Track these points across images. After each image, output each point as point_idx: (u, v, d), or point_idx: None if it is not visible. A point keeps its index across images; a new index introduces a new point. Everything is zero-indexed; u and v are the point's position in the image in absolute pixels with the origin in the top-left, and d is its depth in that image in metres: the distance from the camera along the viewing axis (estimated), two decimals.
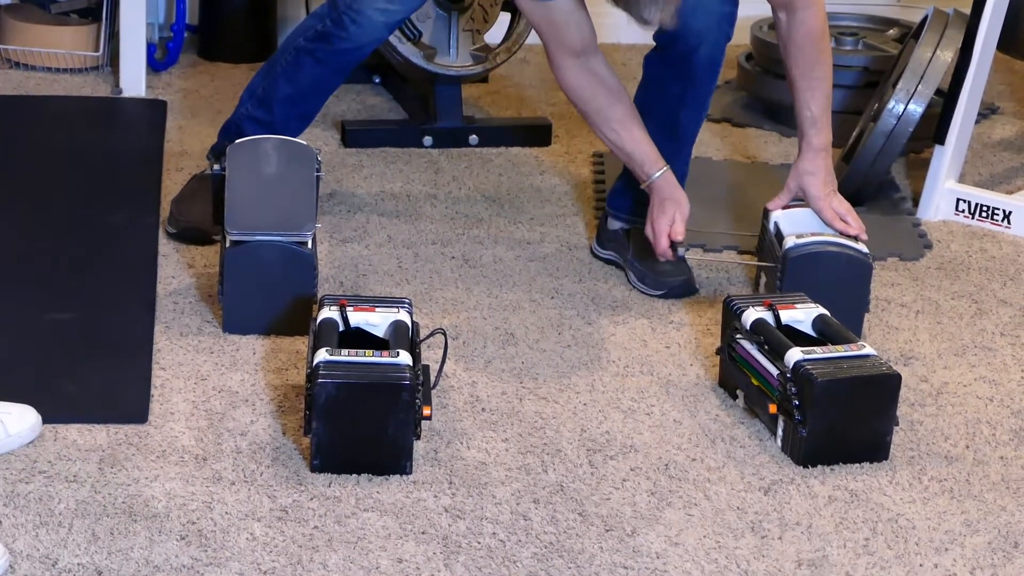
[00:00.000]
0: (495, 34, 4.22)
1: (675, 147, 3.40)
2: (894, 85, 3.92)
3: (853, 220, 3.24)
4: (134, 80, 4.38)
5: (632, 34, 4.78)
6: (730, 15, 3.28)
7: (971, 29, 3.82)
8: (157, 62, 4.62)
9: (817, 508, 2.63)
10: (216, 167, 3.28)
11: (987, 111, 4.58)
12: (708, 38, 3.26)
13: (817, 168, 3.25)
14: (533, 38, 4.24)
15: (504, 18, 4.19)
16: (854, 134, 4.08)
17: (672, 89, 3.34)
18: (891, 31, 4.62)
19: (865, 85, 4.34)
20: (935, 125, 3.89)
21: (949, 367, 3.15)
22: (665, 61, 3.32)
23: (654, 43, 3.36)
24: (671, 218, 3.30)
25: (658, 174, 3.29)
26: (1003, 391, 3.06)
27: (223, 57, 4.75)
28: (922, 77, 3.87)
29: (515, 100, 4.54)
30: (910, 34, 4.20)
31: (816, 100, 3.23)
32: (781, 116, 4.43)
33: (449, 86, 4.19)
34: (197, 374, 2.96)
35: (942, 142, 3.88)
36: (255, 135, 3.33)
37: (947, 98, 3.87)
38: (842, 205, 3.25)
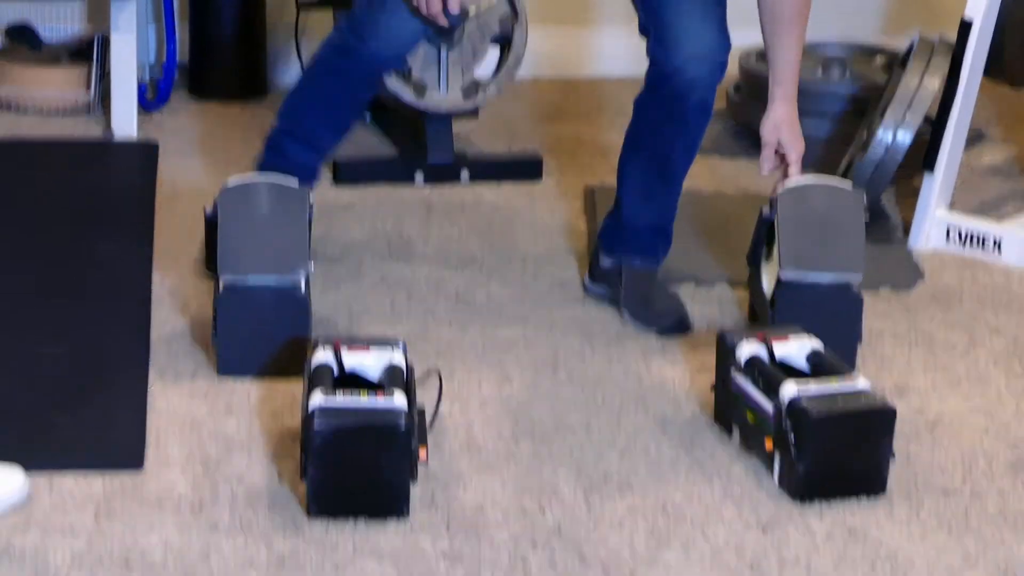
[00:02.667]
0: (485, 68, 4.23)
1: (666, 187, 3.41)
2: (882, 114, 3.93)
3: (794, 164, 3.37)
4: (125, 121, 4.38)
5: (618, 67, 4.80)
6: (723, 64, 3.28)
7: (957, 56, 3.83)
8: (148, 102, 4.63)
9: (816, 546, 2.63)
10: (208, 210, 3.29)
11: (976, 136, 4.59)
12: (700, 85, 3.26)
13: (791, 116, 3.37)
14: (524, 71, 4.27)
15: (494, 52, 4.20)
16: (843, 163, 4.09)
17: (664, 131, 3.35)
18: (878, 58, 4.63)
19: (853, 113, 4.35)
20: (924, 152, 3.90)
21: (944, 399, 3.15)
22: (656, 104, 3.32)
23: (644, 83, 3.35)
24: None
25: None
26: (998, 422, 3.07)
27: (213, 95, 4.76)
28: (910, 105, 3.89)
29: (506, 134, 4.54)
30: (897, 62, 4.21)
31: (794, 54, 3.35)
32: None
33: (440, 122, 4.20)
34: (192, 419, 2.96)
35: (931, 169, 3.89)
36: (293, 150, 3.40)
37: (935, 125, 3.88)
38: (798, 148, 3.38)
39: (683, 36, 3.24)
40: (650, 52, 3.29)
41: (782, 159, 3.38)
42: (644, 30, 3.30)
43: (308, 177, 3.42)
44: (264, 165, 3.45)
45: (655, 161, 3.39)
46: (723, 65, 3.29)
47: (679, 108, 3.28)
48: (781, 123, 3.37)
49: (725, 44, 3.27)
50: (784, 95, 3.38)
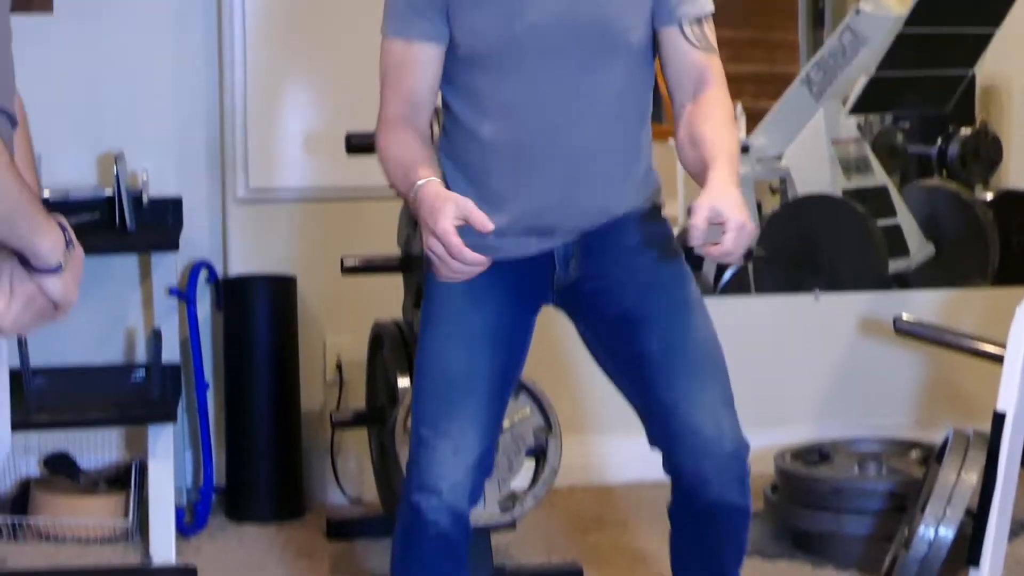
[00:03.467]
0: (521, 480, 4.24)
1: None
2: (922, 510, 3.91)
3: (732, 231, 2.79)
4: (163, 547, 4.38)
5: (652, 471, 4.81)
6: (744, 472, 3.09)
7: (993, 448, 3.83)
8: (186, 526, 4.64)
9: None
10: None
11: (1019, 528, 4.56)
12: (730, 494, 3.10)
13: (729, 191, 2.82)
14: (559, 480, 4.27)
15: (529, 464, 4.22)
16: (887, 561, 4.05)
17: (707, 540, 3.22)
18: (913, 453, 4.64)
19: (892, 509, 4.33)
20: (968, 547, 3.86)
21: None
22: (691, 515, 3.19)
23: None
24: (450, 217, 2.84)
25: (422, 182, 2.91)
26: None
27: (251, 517, 4.76)
28: (949, 500, 3.88)
29: (544, 545, 4.52)
30: (933, 456, 4.21)
31: (730, 149, 2.92)
32: (811, 546, 4.41)
33: (477, 536, 4.18)
34: None
35: (976, 564, 3.84)
36: None
37: (976, 519, 3.85)
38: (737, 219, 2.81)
39: (703, 462, 3.05)
40: (667, 471, 3.12)
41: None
42: (653, 443, 3.13)
43: None
44: None
45: (708, 570, 3.28)
46: (745, 472, 3.10)
47: (715, 517, 3.15)
48: (717, 192, 2.80)
49: (739, 450, 3.08)
50: (728, 178, 2.85)
